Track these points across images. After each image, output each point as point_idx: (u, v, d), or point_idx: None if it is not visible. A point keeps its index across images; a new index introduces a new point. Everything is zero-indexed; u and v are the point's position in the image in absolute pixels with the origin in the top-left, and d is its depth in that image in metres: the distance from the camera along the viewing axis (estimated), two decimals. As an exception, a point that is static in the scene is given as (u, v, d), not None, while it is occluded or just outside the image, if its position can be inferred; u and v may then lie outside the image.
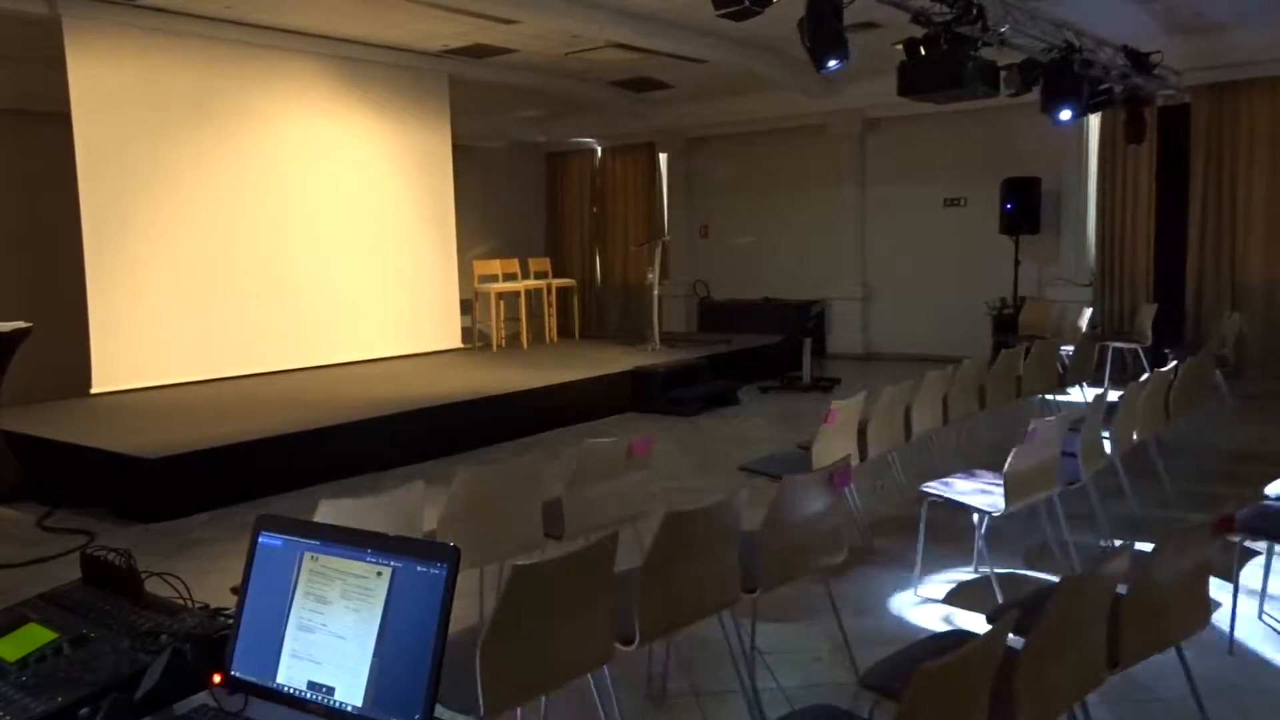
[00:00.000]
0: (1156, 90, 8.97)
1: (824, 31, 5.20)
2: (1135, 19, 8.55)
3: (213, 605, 1.81)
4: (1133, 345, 9.64)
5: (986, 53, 6.57)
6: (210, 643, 1.55)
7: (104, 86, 8.07)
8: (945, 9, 5.91)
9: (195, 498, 6.07)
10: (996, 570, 4.37)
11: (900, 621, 4.17)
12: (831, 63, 5.45)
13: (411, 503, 3.44)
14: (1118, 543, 4.94)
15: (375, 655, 1.36)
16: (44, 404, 7.74)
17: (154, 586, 1.88)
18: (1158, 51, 8.37)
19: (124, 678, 1.50)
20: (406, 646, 1.34)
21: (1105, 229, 10.62)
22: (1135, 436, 5.35)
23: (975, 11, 6.02)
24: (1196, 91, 9.74)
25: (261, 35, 9.01)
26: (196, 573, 2.00)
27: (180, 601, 1.80)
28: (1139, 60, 8.31)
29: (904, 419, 5.51)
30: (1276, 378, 9.05)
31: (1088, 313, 9.97)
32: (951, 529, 5.06)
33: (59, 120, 7.91)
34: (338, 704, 1.38)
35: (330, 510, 3.09)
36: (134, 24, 8.14)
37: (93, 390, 8.04)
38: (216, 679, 1.48)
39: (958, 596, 4.44)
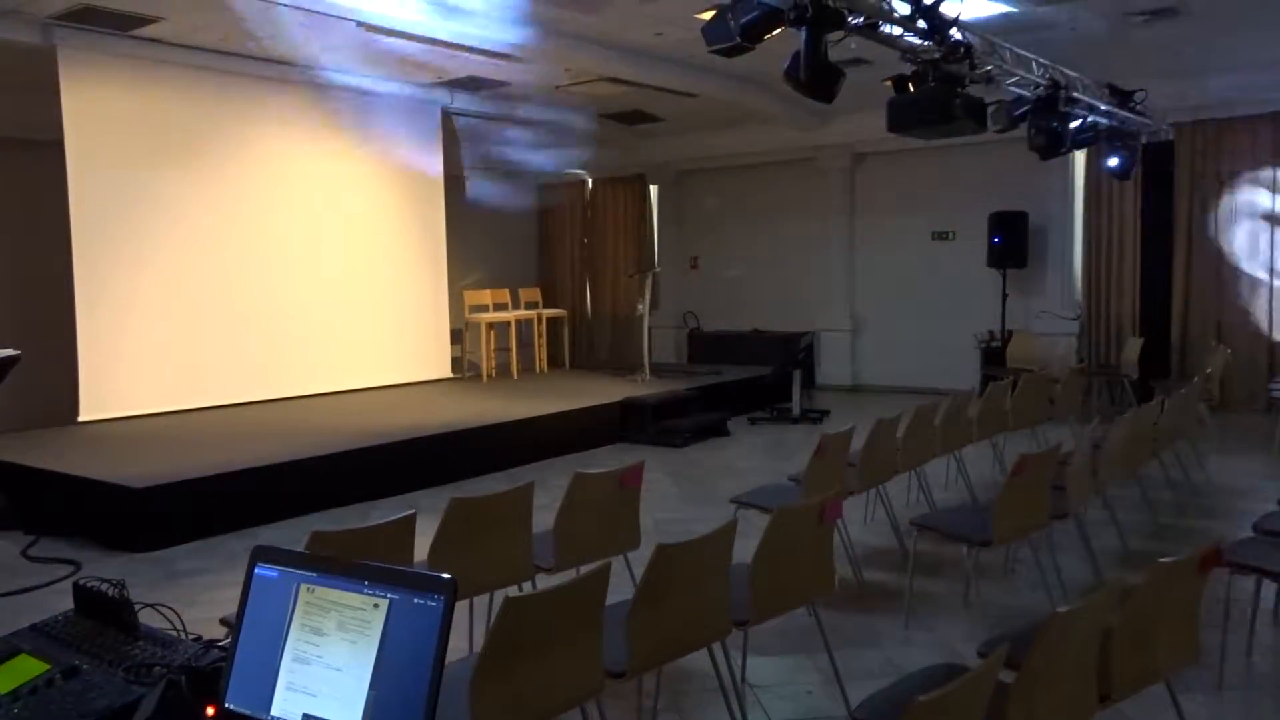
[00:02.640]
0: (1141, 127, 9.10)
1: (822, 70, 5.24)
2: (1119, 58, 8.69)
3: (203, 636, 1.80)
4: (1120, 379, 9.72)
5: (974, 89, 6.66)
6: (205, 675, 1.54)
7: (97, 116, 8.10)
8: (933, 47, 5.99)
9: (182, 527, 6.03)
10: (986, 603, 4.37)
11: (891, 655, 4.17)
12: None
13: (402, 533, 3.44)
14: (1106, 576, 4.96)
15: (371, 688, 1.36)
16: (30, 432, 7.70)
17: (146, 617, 1.87)
18: (1142, 90, 8.51)
19: (117, 710, 1.50)
20: (403, 679, 1.34)
21: (1092, 263, 10.73)
22: (1123, 470, 5.38)
23: (963, 50, 6.11)
24: (1179, 129, 9.89)
25: (255, 66, 9.06)
26: (183, 603, 2.00)
27: (174, 633, 1.79)
28: (1124, 98, 8.44)
29: (894, 451, 5.53)
30: (1261, 411, 9.12)
31: (1075, 346, 10.05)
32: (942, 561, 5.06)
33: (50, 148, 7.93)
34: (332, 737, 1.38)
35: (320, 540, 3.09)
36: (128, 54, 8.18)
37: (80, 418, 8.00)
38: (210, 711, 1.48)
39: (948, 630, 4.43)
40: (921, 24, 5.76)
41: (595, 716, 2.95)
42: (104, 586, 1.84)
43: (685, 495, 7.24)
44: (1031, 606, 4.57)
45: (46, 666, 1.64)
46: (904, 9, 5.68)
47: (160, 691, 1.48)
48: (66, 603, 1.94)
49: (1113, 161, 9.03)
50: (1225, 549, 3.75)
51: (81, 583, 1.89)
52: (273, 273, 9.41)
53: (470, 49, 8.50)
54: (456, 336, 11.60)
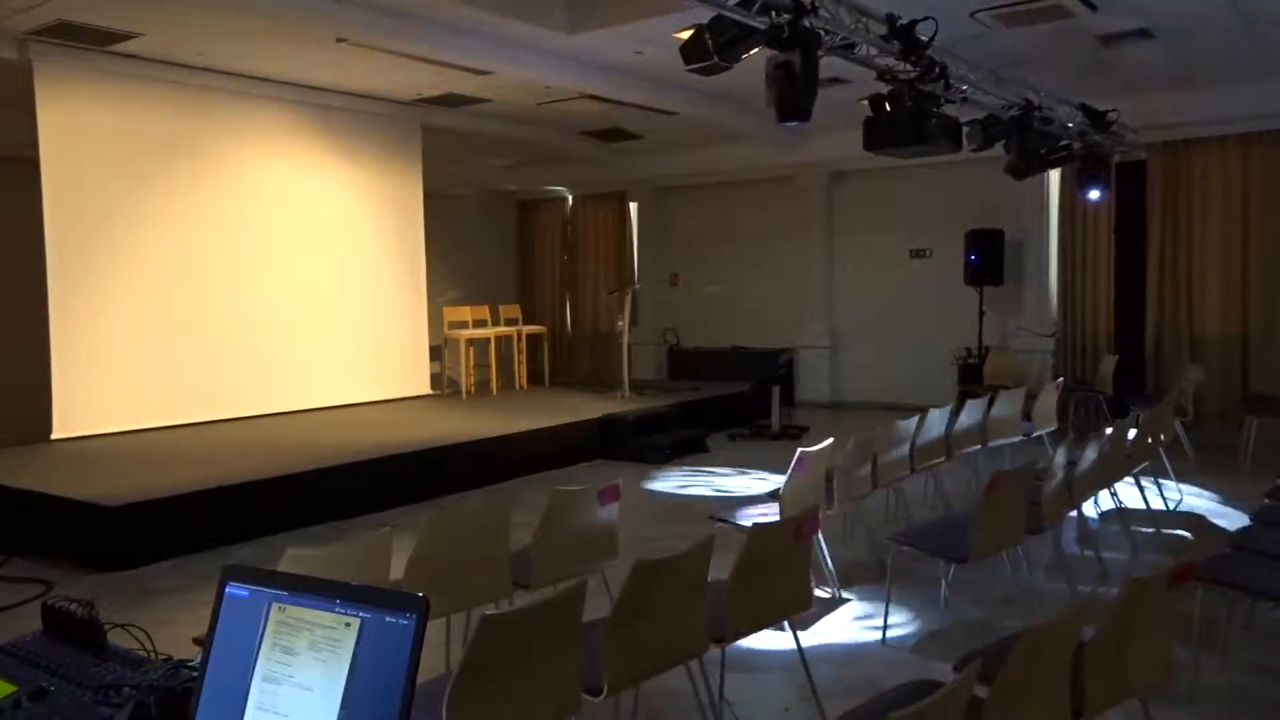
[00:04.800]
0: (1114, 147, 9.23)
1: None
2: (1092, 79, 8.81)
3: (174, 656, 1.79)
4: (1095, 395, 9.81)
5: (949, 109, 6.74)
6: (174, 696, 1.53)
7: (74, 131, 8.05)
8: (909, 67, 6.06)
9: (156, 546, 5.97)
10: (963, 618, 4.39)
11: (868, 671, 4.17)
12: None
13: (379, 551, 3.42)
14: (1081, 591, 4.99)
15: (342, 707, 1.35)
16: (3, 449, 7.61)
17: (116, 638, 1.86)
18: (1114, 110, 8.62)
19: (85, 732, 1.48)
20: (374, 699, 1.33)
21: (1067, 281, 10.84)
22: (1098, 486, 5.43)
23: (938, 70, 6.19)
24: (1152, 149, 10.03)
25: (234, 82, 9.05)
26: (157, 623, 1.98)
27: (143, 653, 1.78)
28: (1097, 118, 8.56)
29: (872, 467, 5.56)
30: (1234, 428, 9.21)
31: (1051, 363, 10.14)
32: (919, 577, 5.08)
33: (24, 164, 7.87)
34: (303, 757, 1.37)
35: (296, 558, 3.07)
36: (105, 70, 8.14)
37: (54, 436, 7.91)
38: (179, 732, 1.47)
39: (925, 645, 4.45)
40: (897, 45, 5.83)
41: (572, 735, 2.93)
42: (72, 607, 1.83)
43: (664, 512, 7.23)
44: (1008, 622, 4.59)
45: (13, 688, 1.63)
46: (880, 30, 5.76)
47: (128, 713, 1.47)
48: (37, 623, 1.92)
49: (1094, 194, 9.26)
50: (1198, 564, 3.79)
51: (50, 603, 1.88)
52: (250, 289, 9.36)
53: (450, 65, 8.52)
54: (436, 353, 11.57)
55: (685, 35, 5.25)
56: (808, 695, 3.72)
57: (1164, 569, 2.80)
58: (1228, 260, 9.86)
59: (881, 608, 4.62)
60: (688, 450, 9.47)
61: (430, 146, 11.01)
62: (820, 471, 5.08)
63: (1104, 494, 5.84)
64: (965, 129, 7.29)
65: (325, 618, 1.41)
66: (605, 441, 9.33)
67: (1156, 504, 6.76)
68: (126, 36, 7.63)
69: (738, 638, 3.30)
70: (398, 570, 3.53)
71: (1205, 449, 8.70)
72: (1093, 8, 6.97)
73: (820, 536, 4.78)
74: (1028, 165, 7.95)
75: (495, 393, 11.50)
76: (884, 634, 4.52)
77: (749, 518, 4.66)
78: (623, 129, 11.73)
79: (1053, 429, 7.57)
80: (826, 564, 5.17)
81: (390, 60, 8.41)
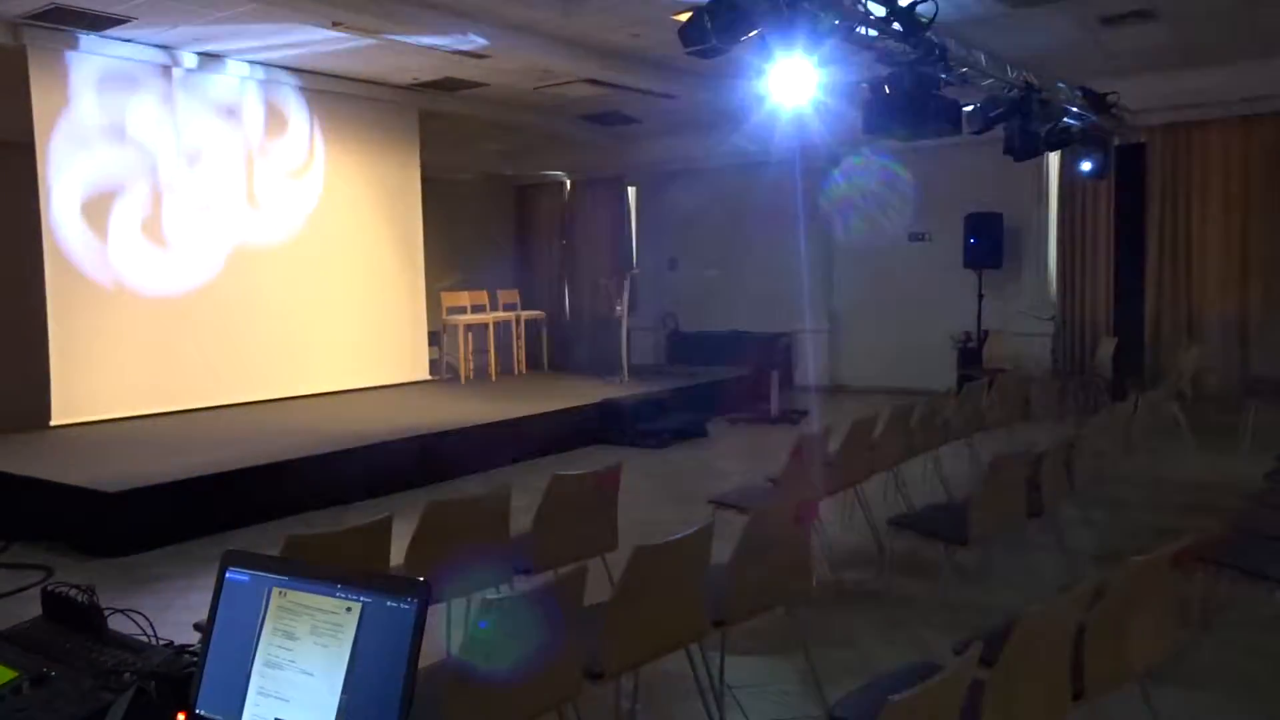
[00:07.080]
0: (1114, 129, 9.20)
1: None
2: (1092, 61, 8.77)
3: (175, 641, 1.79)
4: (1094, 378, 9.80)
5: (949, 91, 6.70)
6: (175, 681, 1.53)
7: (68, 116, 8.00)
8: (909, 49, 6.03)
9: (156, 532, 5.97)
10: (963, 601, 4.40)
11: (868, 654, 4.18)
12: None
13: (379, 536, 3.42)
14: (1082, 574, 5.00)
15: (344, 692, 1.35)
16: (1, 436, 7.60)
17: (117, 623, 1.85)
18: (1114, 92, 8.59)
19: (86, 717, 1.48)
20: (375, 683, 1.33)
21: (1066, 264, 10.82)
22: (1098, 468, 5.43)
23: (937, 52, 6.15)
24: (1152, 131, 9.99)
25: (229, 66, 8.99)
26: (157, 608, 1.98)
27: (144, 639, 1.77)
28: (1097, 100, 8.52)
29: (871, 451, 5.55)
30: (1233, 411, 9.21)
31: (1050, 346, 10.14)
32: (919, 561, 5.09)
33: (21, 150, 7.83)
34: (305, 742, 1.36)
35: (296, 544, 3.07)
36: (100, 54, 8.10)
37: (52, 422, 7.90)
38: (181, 718, 1.46)
39: (925, 628, 4.46)
40: (897, 26, 5.79)
41: (572, 719, 2.94)
42: (73, 592, 1.82)
43: (664, 496, 7.24)
44: (1007, 605, 4.59)
45: (15, 674, 1.62)
46: (879, 11, 5.72)
47: (129, 698, 1.46)
48: (38, 609, 1.92)
49: (1086, 166, 9.26)
50: (1199, 546, 3.79)
51: (50, 589, 1.88)
52: (248, 274, 9.34)
53: (446, 50, 8.47)
54: (434, 338, 11.55)
55: (684, 17, 5.21)
56: (808, 678, 3.73)
57: (1164, 551, 2.80)
58: (1227, 242, 9.84)
59: (882, 591, 4.63)
60: (687, 435, 9.47)
61: (427, 132, 10.96)
62: (819, 455, 5.08)
63: (1103, 476, 5.84)
64: (965, 111, 7.26)
65: (326, 603, 1.40)
66: (604, 426, 9.32)
67: (1156, 486, 6.76)
68: (120, 20, 7.58)
69: (738, 621, 3.30)
70: (398, 556, 3.53)
71: (1204, 431, 8.69)
72: (1093, -11, 6.93)
73: (820, 520, 4.78)
74: (1027, 148, 7.92)
75: (494, 378, 11.49)
76: (884, 617, 4.53)
77: (749, 502, 4.66)
78: (621, 113, 11.68)
79: (1052, 412, 7.56)
80: (827, 547, 5.18)
81: (386, 44, 8.36)
